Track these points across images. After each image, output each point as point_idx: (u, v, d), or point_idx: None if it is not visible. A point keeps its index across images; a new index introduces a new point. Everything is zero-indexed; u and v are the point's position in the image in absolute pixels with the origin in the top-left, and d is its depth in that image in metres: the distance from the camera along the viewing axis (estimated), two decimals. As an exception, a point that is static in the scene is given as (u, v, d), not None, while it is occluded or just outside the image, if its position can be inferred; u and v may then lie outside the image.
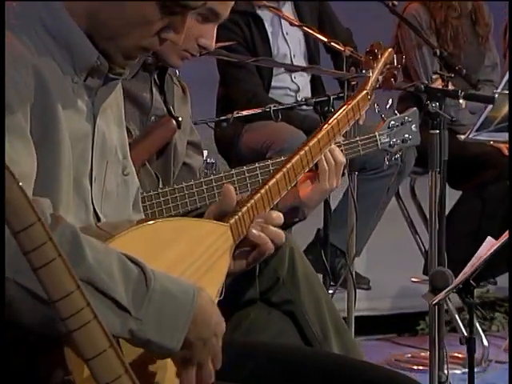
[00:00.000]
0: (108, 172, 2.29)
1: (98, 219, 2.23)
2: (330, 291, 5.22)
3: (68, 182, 2.12)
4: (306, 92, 5.83)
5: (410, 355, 5.91)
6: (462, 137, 5.31)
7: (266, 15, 5.67)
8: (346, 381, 2.43)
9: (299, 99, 5.02)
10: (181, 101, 3.44)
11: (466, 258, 3.50)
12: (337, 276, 5.73)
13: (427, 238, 5.00)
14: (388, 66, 2.88)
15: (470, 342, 3.07)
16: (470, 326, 3.10)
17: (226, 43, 5.05)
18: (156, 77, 3.33)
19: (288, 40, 5.75)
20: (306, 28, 4.71)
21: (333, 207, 5.18)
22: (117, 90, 2.36)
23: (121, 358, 1.75)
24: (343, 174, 5.31)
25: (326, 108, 4.12)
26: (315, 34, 4.71)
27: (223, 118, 4.55)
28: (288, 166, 2.53)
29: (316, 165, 3.19)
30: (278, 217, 2.47)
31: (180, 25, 2.15)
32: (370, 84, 2.71)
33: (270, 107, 4.36)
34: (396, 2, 4.90)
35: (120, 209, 2.35)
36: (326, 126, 2.62)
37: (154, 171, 3.24)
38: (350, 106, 2.68)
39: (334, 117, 2.64)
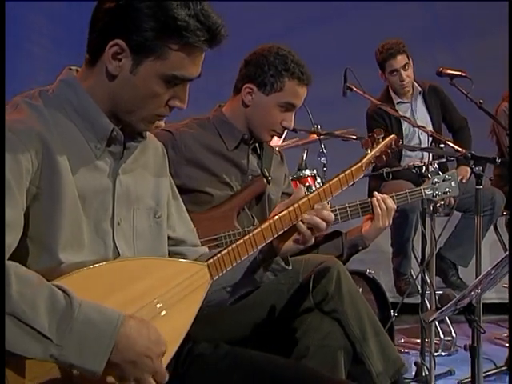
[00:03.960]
0: (137, 216, 1.76)
1: (118, 253, 1.70)
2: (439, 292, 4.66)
3: (72, 226, 1.61)
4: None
5: (505, 335, 4.85)
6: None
7: (401, 108, 4.98)
8: None
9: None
10: (278, 164, 2.94)
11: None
12: (448, 280, 5.02)
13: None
14: (386, 147, 2.28)
15: (473, 350, 2.39)
16: (472, 337, 2.43)
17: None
18: (257, 147, 2.84)
19: (419, 122, 4.87)
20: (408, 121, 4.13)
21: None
22: (159, 154, 1.89)
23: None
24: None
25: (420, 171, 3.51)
26: (415, 125, 4.19)
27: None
28: (275, 218, 1.85)
29: (373, 209, 2.82)
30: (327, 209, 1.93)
31: (183, 94, 1.69)
32: (365, 159, 2.14)
33: (383, 171, 3.62)
34: (482, 101, 4.16)
35: (152, 245, 1.80)
36: (320, 188, 1.96)
37: (251, 214, 2.76)
38: (343, 175, 2.04)
39: (329, 182, 2.00)
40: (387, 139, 2.23)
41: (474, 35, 6.29)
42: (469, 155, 3.21)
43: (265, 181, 2.73)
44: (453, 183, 3.11)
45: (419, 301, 4.09)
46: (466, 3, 6.12)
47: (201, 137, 2.69)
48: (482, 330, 2.34)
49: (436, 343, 4.51)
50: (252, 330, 2.49)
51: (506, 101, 5.06)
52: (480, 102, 4.11)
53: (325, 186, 1.93)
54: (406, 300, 4.40)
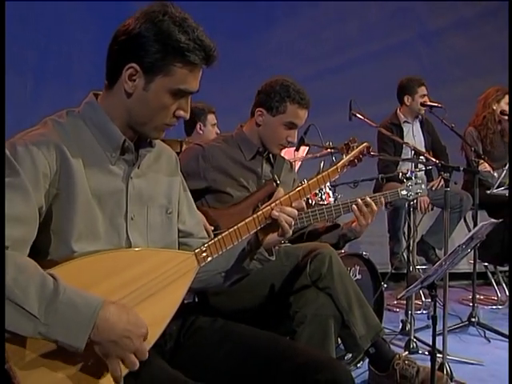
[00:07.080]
0: (150, 213, 1.45)
1: (131, 243, 1.39)
2: (424, 267, 4.50)
3: (86, 220, 1.32)
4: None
5: (470, 297, 4.36)
6: (488, 191, 4.08)
7: (405, 126, 4.59)
8: (284, 361, 1.41)
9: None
10: (287, 171, 2.57)
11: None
12: (429, 259, 4.54)
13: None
14: (359, 153, 1.85)
15: (433, 319, 2.01)
16: (434, 309, 2.03)
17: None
18: (271, 158, 2.49)
19: (416, 139, 4.59)
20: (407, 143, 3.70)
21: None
22: (172, 161, 1.57)
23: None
24: (432, 209, 4.33)
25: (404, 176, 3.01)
26: (401, 141, 3.71)
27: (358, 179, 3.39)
28: (259, 213, 1.50)
29: (354, 213, 2.43)
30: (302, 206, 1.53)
31: (186, 105, 1.39)
32: (341, 163, 1.69)
33: (379, 176, 3.43)
34: (454, 124, 3.85)
35: (164, 236, 1.49)
36: (299, 187, 1.56)
37: None
38: (320, 176, 1.63)
39: (308, 181, 1.59)
40: (360, 147, 1.84)
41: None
42: (439, 165, 2.87)
43: (274, 184, 2.40)
44: (423, 186, 2.74)
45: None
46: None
47: (225, 149, 2.40)
48: (441, 304, 1.93)
49: (419, 304, 4.21)
50: (261, 302, 2.21)
51: (471, 125, 4.69)
52: (452, 126, 3.83)
53: (304, 185, 1.55)
54: (403, 272, 4.04)
